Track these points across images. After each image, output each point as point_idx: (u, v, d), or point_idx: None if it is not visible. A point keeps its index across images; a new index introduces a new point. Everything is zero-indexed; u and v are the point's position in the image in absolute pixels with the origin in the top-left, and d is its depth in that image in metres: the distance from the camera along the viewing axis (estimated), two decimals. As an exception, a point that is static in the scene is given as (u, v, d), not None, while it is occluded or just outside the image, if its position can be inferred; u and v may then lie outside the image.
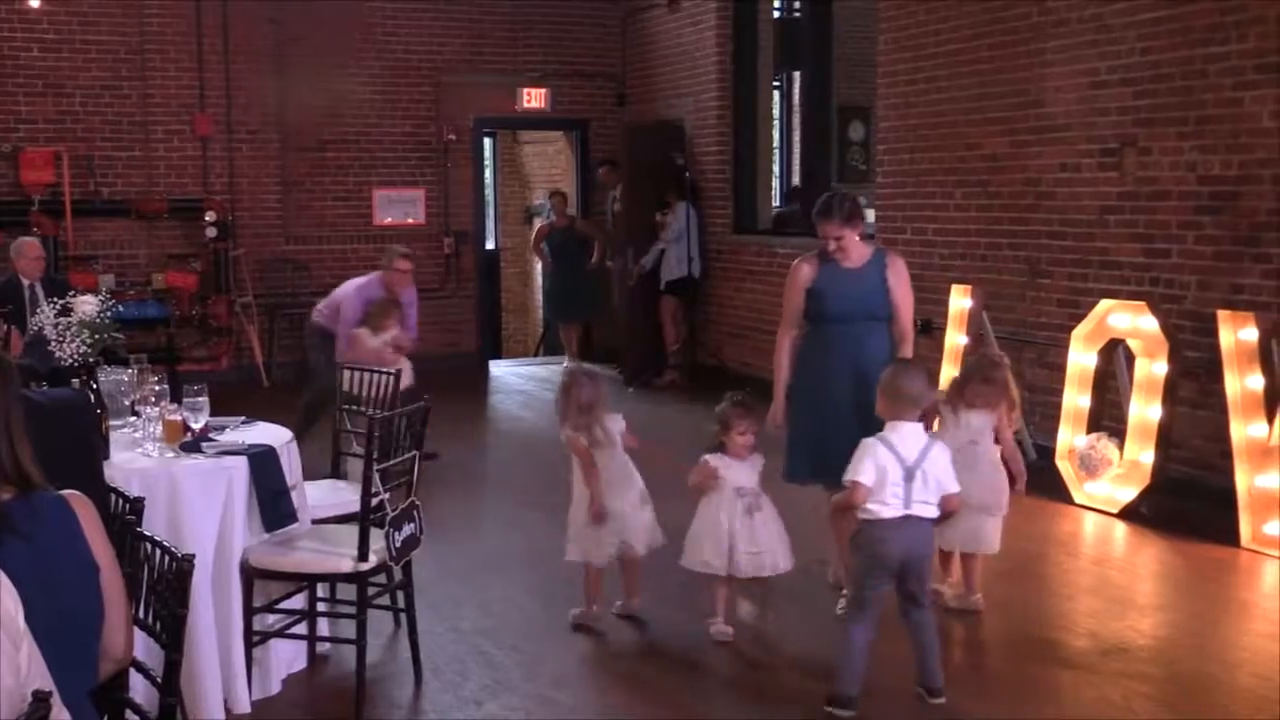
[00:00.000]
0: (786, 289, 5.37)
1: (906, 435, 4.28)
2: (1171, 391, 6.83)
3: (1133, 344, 7.06)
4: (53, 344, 4.74)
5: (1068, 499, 7.18)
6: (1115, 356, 7.26)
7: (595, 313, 13.09)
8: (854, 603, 4.48)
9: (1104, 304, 7.25)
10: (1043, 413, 7.95)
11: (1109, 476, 7.00)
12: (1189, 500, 6.93)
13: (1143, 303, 7.05)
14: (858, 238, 5.24)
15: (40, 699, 1.99)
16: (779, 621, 5.15)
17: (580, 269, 12.75)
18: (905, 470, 4.22)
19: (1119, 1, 7.52)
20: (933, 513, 4.28)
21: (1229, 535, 6.33)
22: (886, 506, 4.21)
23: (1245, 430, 6.37)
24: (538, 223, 13.47)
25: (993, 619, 5.44)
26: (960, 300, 8.25)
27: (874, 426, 4.45)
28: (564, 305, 13.08)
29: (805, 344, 5.35)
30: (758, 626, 5.12)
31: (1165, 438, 6.84)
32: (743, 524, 4.95)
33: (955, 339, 8.21)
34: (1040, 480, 7.50)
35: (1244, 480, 6.35)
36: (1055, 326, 7.95)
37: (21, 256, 8.44)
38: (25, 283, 8.36)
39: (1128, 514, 6.86)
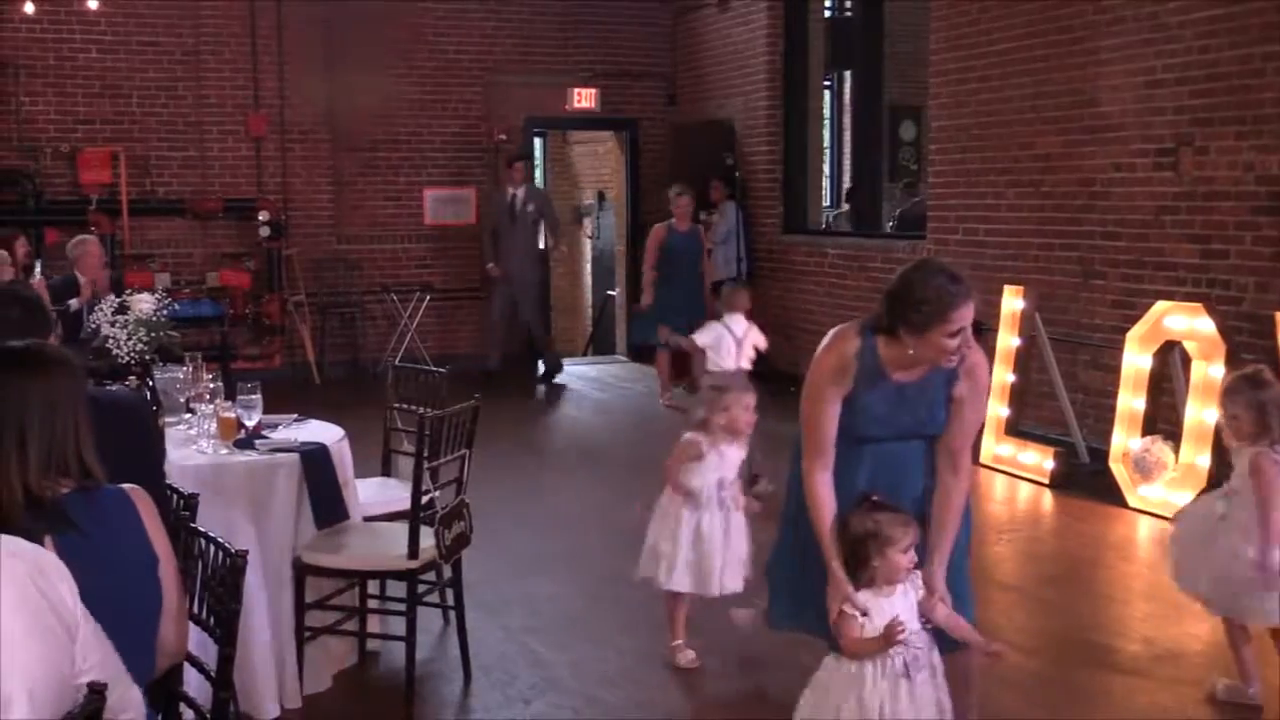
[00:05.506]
0: (816, 394, 3.51)
1: None
2: (1228, 394, 6.73)
3: (1189, 346, 6.97)
4: (110, 342, 4.81)
5: (1122, 502, 7.09)
6: (1171, 359, 7.17)
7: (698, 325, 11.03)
8: None
9: (1159, 305, 7.16)
10: (1097, 415, 7.86)
11: (1164, 480, 6.91)
12: (1246, 505, 6.82)
13: (1199, 304, 6.95)
14: None
15: (96, 690, 2.01)
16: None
17: (696, 276, 10.76)
18: None
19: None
20: None
21: (1287, 540, 6.23)
22: None
23: (1304, 434, 6.26)
24: (657, 229, 10.84)
25: (1045, 622, 5.39)
26: (1013, 301, 8.17)
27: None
28: (675, 316, 10.09)
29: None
30: None
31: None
32: (901, 690, 3.33)
33: (1007, 341, 8.14)
34: (1094, 483, 7.45)
35: (1302, 485, 6.24)
36: (1109, 328, 7.86)
37: (86, 255, 8.57)
38: (84, 280, 8.47)
39: (1183, 518, 6.76)
